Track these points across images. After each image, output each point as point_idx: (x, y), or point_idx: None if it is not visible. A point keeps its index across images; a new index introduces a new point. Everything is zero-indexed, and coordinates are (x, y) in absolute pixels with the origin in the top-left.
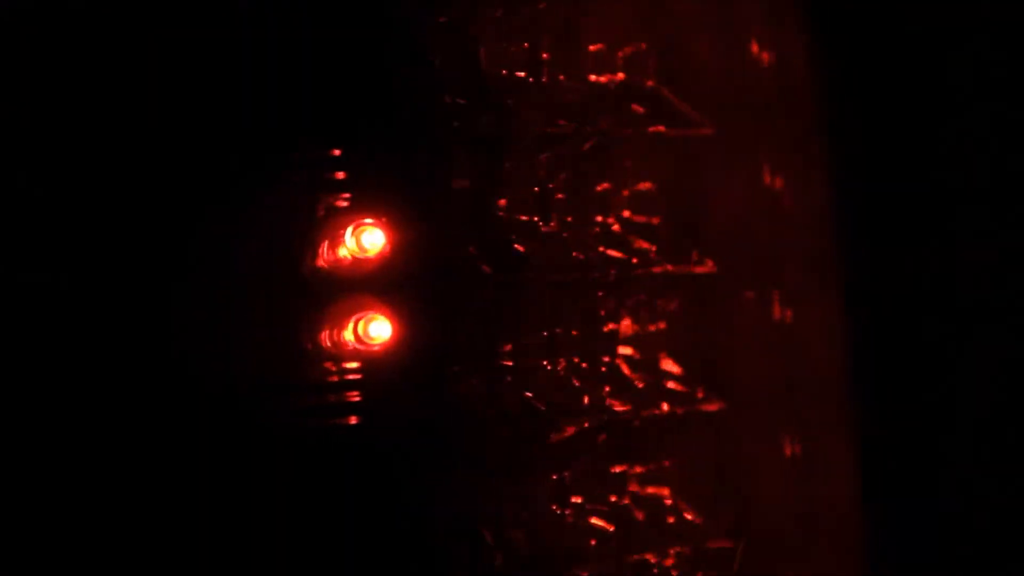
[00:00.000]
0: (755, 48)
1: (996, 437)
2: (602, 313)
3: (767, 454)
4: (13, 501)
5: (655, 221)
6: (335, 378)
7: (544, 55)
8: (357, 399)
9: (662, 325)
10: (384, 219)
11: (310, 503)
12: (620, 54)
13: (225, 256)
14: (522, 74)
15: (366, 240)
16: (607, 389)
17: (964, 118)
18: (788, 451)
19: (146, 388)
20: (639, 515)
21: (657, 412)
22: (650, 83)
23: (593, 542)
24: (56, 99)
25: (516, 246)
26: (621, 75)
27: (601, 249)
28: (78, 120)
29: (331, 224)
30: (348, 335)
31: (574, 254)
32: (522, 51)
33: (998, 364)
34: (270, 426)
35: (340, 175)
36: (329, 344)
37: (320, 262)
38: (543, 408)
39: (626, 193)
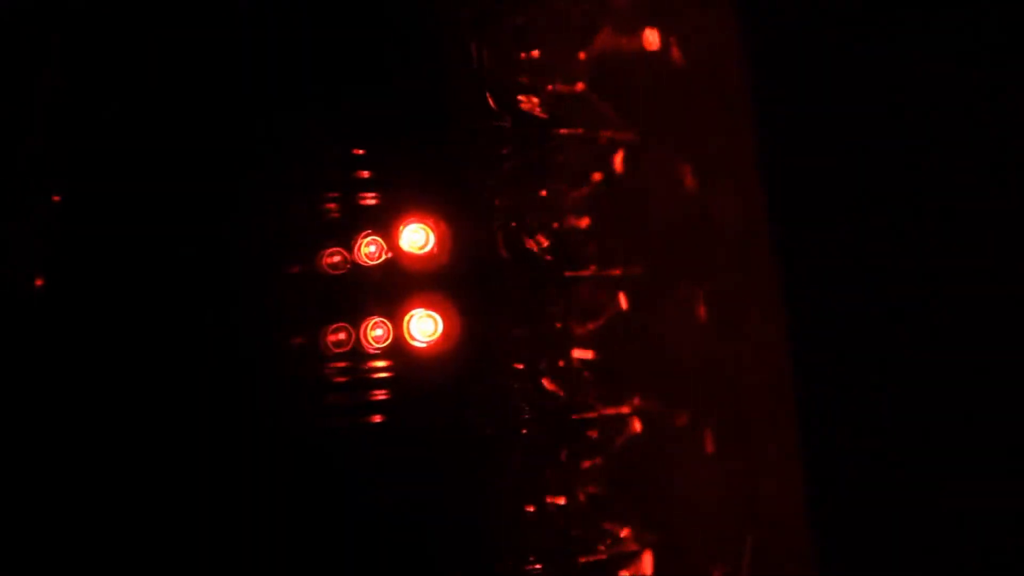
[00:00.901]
0: (681, 51)
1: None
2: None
3: (702, 455)
4: (33, 503)
5: (588, 224)
6: (349, 378)
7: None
8: (384, 397)
9: (601, 324)
10: (413, 218)
11: (320, 501)
12: (553, 60)
13: (233, 256)
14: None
15: (406, 238)
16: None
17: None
18: (715, 450)
19: (159, 388)
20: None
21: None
22: (581, 88)
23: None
24: (57, 99)
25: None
26: (556, 82)
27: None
28: (89, 120)
29: (356, 223)
30: (374, 333)
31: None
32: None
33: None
34: (294, 425)
35: (364, 174)
36: (357, 343)
37: (349, 261)
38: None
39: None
